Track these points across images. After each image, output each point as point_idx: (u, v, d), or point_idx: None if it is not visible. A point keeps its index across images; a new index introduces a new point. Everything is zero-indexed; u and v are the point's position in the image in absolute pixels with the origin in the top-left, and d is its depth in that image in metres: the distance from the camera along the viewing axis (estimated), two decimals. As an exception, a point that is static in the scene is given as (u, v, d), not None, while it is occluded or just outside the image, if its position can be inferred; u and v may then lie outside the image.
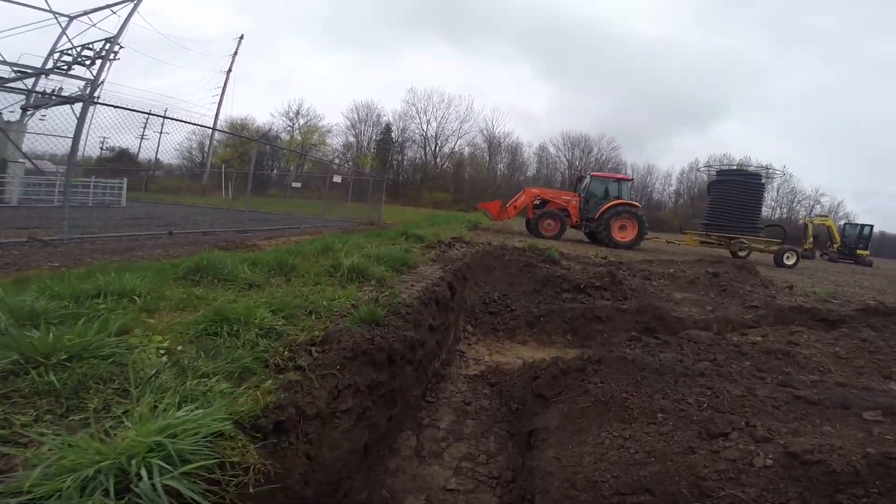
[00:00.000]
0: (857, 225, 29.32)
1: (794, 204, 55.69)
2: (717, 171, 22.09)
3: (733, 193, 19.73)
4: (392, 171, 53.16)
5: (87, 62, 19.39)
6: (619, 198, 19.48)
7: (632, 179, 22.81)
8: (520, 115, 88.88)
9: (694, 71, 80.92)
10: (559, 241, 18.12)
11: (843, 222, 32.54)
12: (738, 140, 77.88)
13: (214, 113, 36.61)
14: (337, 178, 19.46)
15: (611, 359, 3.45)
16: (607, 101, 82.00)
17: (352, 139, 55.54)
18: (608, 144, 56.83)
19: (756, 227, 20.00)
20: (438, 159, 57.34)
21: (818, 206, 54.07)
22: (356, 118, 55.03)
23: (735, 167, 20.98)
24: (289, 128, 52.08)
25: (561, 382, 3.56)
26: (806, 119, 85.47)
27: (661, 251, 19.37)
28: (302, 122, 51.93)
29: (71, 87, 18.68)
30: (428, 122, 56.52)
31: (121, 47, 25.54)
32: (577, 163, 55.85)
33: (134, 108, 10.44)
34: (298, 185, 25.33)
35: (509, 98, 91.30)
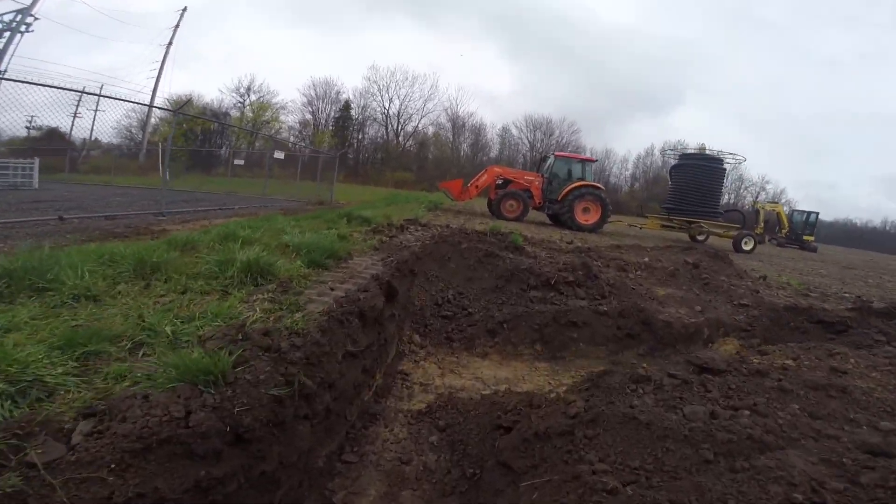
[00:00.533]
0: (804, 212, 29.95)
1: (741, 190, 57.13)
2: (679, 156, 21.48)
3: (695, 177, 19.17)
4: (352, 149, 50.46)
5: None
6: (582, 179, 18.50)
7: (596, 160, 21.72)
8: (484, 97, 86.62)
9: (651, 59, 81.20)
10: (521, 222, 17.04)
11: (787, 209, 33.21)
12: (691, 127, 79.02)
13: (153, 89, 32.76)
14: (279, 154, 17.33)
15: (612, 418, 2.22)
16: (569, 85, 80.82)
17: (308, 116, 51.91)
18: (569, 128, 56.06)
19: (716, 211, 19.64)
20: (401, 138, 54.95)
21: (763, 192, 55.69)
22: (313, 95, 51.28)
23: (697, 151, 20.30)
24: (239, 104, 47.89)
25: (536, 451, 2.31)
26: (751, 108, 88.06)
27: (623, 234, 18.69)
28: (254, 98, 47.84)
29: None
30: (390, 100, 53.62)
31: (35, 19, 22.24)
32: (538, 145, 54.93)
33: (64, 85, 8.94)
34: (241, 162, 22.97)
35: (474, 79, 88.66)
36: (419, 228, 7.91)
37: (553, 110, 79.27)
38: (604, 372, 2.89)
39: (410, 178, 45.41)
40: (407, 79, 53.66)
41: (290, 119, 50.33)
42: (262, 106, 47.46)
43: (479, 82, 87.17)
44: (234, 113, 46.53)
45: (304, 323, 2.44)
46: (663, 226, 20.40)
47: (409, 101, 53.80)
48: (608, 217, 18.50)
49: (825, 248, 36.10)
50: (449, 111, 55.07)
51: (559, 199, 17.93)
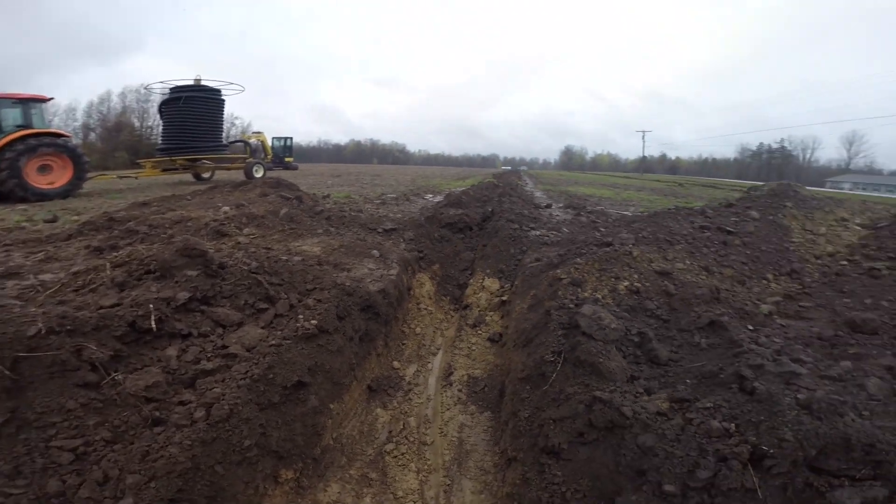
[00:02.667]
0: (281, 139, 32.14)
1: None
2: (170, 89, 16.55)
3: (194, 111, 15.71)
4: None
5: None
6: (26, 127, 11.19)
7: (51, 98, 12.89)
8: None
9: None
10: None
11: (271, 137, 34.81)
12: (156, 73, 66.78)
13: None
14: None
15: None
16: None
17: None
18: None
19: (222, 144, 17.27)
20: None
21: (234, 126, 56.12)
22: None
23: (193, 83, 16.22)
24: None
25: None
26: (215, 54, 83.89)
27: (117, 191, 13.32)
28: None
29: None
30: None
31: None
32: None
33: None
34: None
35: None
36: None
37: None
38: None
39: None
40: None
41: None
42: None
43: None
44: None
45: None
46: (164, 170, 16.14)
47: None
48: (86, 171, 12.37)
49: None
50: None
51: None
